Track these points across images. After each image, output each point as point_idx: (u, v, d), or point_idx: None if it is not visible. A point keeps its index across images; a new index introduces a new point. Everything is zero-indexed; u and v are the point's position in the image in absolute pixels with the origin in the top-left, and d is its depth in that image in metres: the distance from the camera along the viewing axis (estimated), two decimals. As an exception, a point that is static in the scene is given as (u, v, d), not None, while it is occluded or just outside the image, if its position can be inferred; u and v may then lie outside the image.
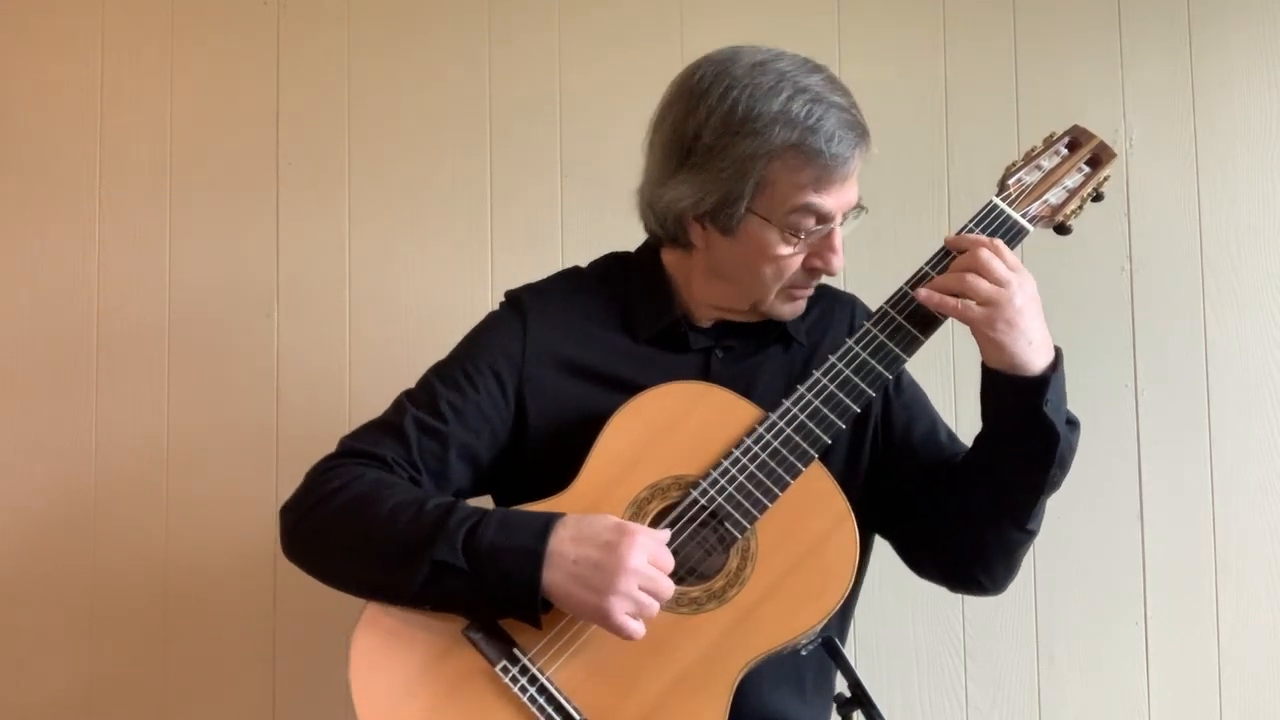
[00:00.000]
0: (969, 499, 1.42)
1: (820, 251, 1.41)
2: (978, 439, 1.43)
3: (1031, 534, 1.43)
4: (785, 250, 1.39)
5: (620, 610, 1.25)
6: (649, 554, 1.27)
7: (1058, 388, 1.34)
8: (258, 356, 2.04)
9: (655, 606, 1.27)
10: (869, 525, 1.49)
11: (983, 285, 1.32)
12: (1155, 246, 2.01)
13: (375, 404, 1.49)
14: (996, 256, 1.33)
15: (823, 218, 1.38)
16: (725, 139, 1.36)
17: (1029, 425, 1.34)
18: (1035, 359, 1.33)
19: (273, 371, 2.03)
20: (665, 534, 1.31)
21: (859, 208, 1.42)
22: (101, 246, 2.06)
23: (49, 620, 2.00)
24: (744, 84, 1.36)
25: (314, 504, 1.37)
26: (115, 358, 2.04)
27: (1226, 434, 1.98)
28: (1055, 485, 1.39)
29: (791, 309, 1.47)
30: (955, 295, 1.33)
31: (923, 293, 1.35)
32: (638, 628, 1.26)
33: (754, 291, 1.44)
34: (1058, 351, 1.36)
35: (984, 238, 1.37)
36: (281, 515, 1.40)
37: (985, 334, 1.32)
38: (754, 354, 1.50)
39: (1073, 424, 1.38)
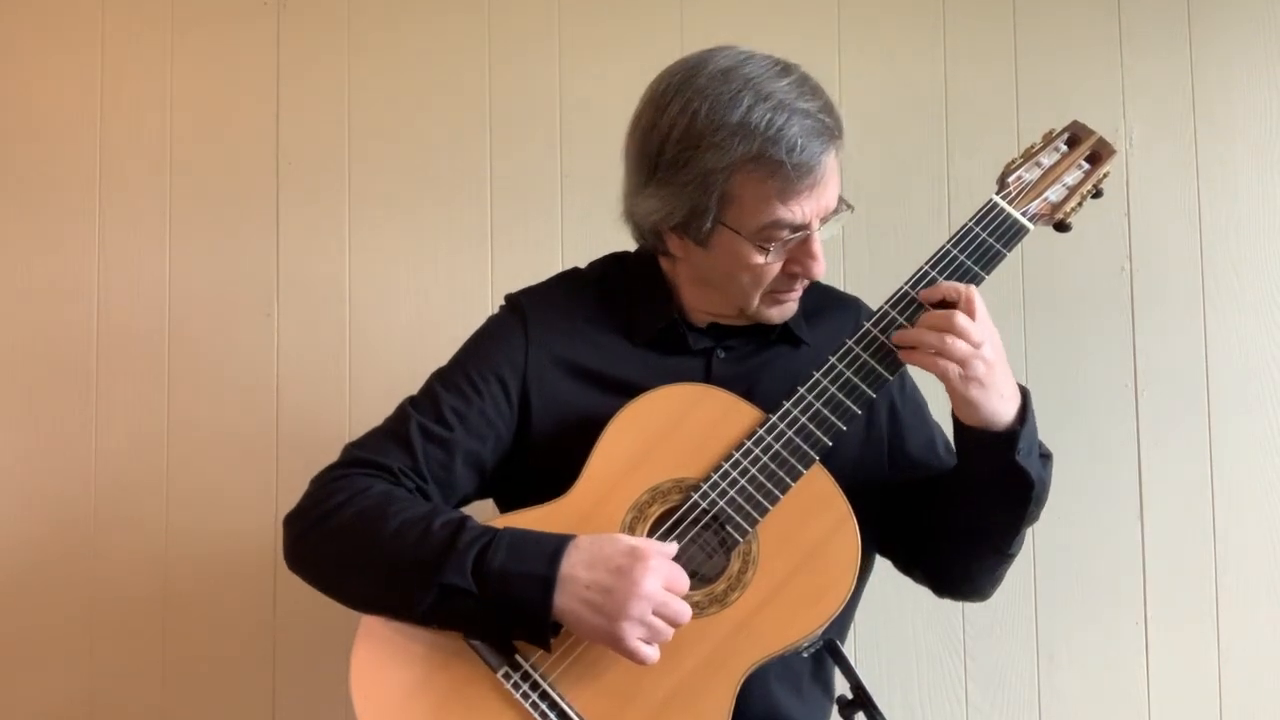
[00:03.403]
0: (950, 526, 1.42)
1: (798, 258, 1.39)
2: (951, 478, 1.43)
3: (1012, 556, 1.44)
4: (759, 260, 1.37)
5: (632, 636, 1.24)
6: (663, 578, 1.25)
7: (1029, 434, 1.33)
8: (258, 356, 2.03)
9: (669, 631, 1.26)
10: (869, 526, 1.49)
11: (960, 347, 1.29)
12: (1155, 246, 2.01)
13: (375, 404, 1.49)
14: (969, 315, 1.31)
15: (795, 228, 1.36)
16: (687, 153, 1.34)
17: (1004, 473, 1.34)
18: (1005, 411, 1.32)
19: (273, 371, 2.03)
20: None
21: (841, 208, 1.40)
22: (101, 246, 2.05)
23: (49, 620, 2.00)
24: (705, 95, 1.33)
25: (319, 517, 1.35)
26: (115, 358, 2.04)
27: (1226, 434, 1.98)
28: (1034, 518, 1.39)
29: (779, 312, 1.46)
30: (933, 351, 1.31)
31: (902, 354, 1.34)
32: (650, 653, 1.25)
33: (737, 298, 1.44)
34: (1025, 394, 1.35)
35: (959, 286, 1.34)
36: (285, 525, 1.39)
37: (960, 393, 1.31)
38: (757, 354, 1.49)
39: (1046, 457, 1.39)
